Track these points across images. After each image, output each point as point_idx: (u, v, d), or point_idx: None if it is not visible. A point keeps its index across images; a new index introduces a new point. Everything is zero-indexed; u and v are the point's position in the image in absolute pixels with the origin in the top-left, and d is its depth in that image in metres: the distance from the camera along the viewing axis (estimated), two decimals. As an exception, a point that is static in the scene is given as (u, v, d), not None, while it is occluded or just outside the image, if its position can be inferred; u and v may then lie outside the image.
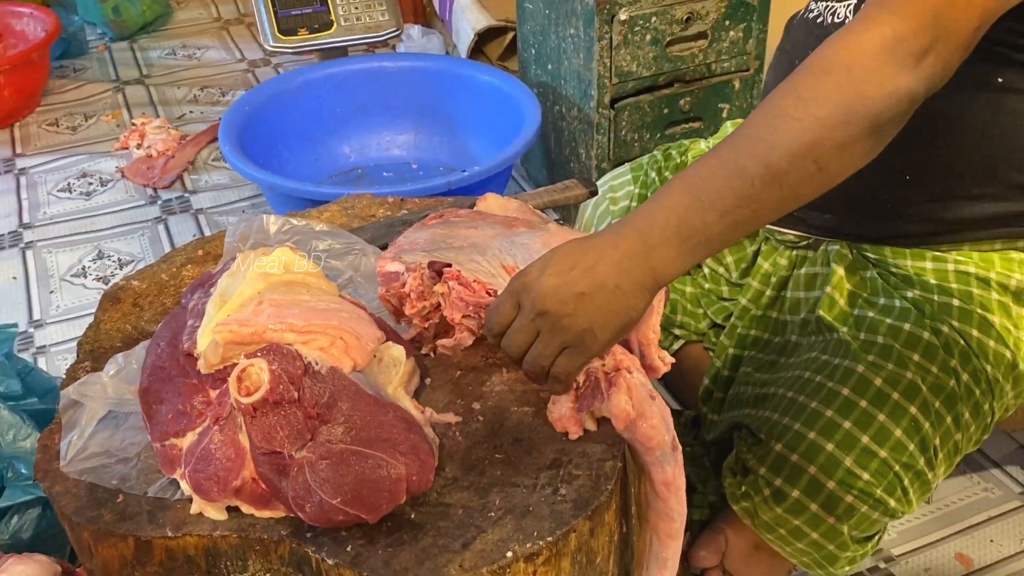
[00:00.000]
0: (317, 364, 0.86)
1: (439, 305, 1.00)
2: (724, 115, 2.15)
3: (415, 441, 0.86)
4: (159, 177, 2.51)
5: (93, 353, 1.08)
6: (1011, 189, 1.09)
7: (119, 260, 2.24)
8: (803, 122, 0.80)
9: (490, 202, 1.16)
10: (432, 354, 1.03)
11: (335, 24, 2.20)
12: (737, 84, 2.12)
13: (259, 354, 0.85)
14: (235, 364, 0.87)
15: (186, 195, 2.48)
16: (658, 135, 2.08)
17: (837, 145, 0.81)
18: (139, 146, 2.64)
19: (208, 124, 2.78)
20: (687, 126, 2.12)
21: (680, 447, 0.86)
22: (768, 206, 0.82)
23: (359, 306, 0.99)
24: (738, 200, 0.81)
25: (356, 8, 2.21)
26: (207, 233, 2.30)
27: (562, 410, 0.89)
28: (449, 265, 0.98)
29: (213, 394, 0.88)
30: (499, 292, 0.90)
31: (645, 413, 0.84)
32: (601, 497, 0.84)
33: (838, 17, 1.11)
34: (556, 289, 0.82)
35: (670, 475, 0.88)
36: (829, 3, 1.13)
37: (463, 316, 0.96)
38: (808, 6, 1.19)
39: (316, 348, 0.87)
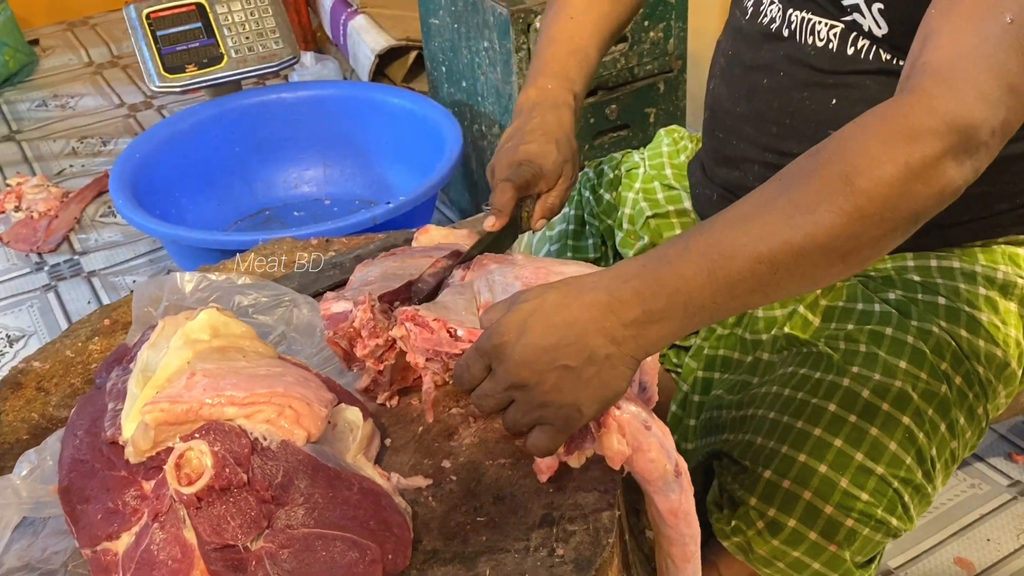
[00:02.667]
0: (266, 439, 0.80)
1: (394, 342, 0.94)
2: (651, 119, 2.14)
3: (386, 515, 0.80)
4: (43, 240, 2.39)
5: (-4, 451, 0.99)
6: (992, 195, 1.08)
7: (7, 336, 2.11)
8: (846, 214, 0.74)
9: (432, 235, 1.11)
10: (389, 404, 0.97)
11: (225, 57, 2.12)
12: (662, 87, 2.11)
13: (197, 435, 0.79)
14: (170, 449, 0.79)
15: (75, 257, 2.36)
16: (586, 146, 2.06)
17: (872, 240, 0.76)
18: (17, 208, 2.51)
19: (91, 177, 2.67)
20: (615, 134, 2.10)
21: (685, 469, 0.82)
22: (781, 294, 0.78)
23: (301, 366, 0.92)
24: (756, 286, 0.76)
25: (247, 38, 2.14)
26: (103, 298, 2.20)
27: (547, 459, 0.84)
28: (404, 295, 0.93)
29: (147, 486, 0.80)
30: (462, 332, 0.85)
31: (642, 447, 0.80)
32: (603, 553, 0.79)
33: (820, 38, 1.05)
34: (535, 360, 0.75)
35: (675, 502, 0.84)
36: (798, 12, 1.07)
37: (427, 360, 0.90)
38: (749, 6, 1.14)
39: (262, 421, 0.81)
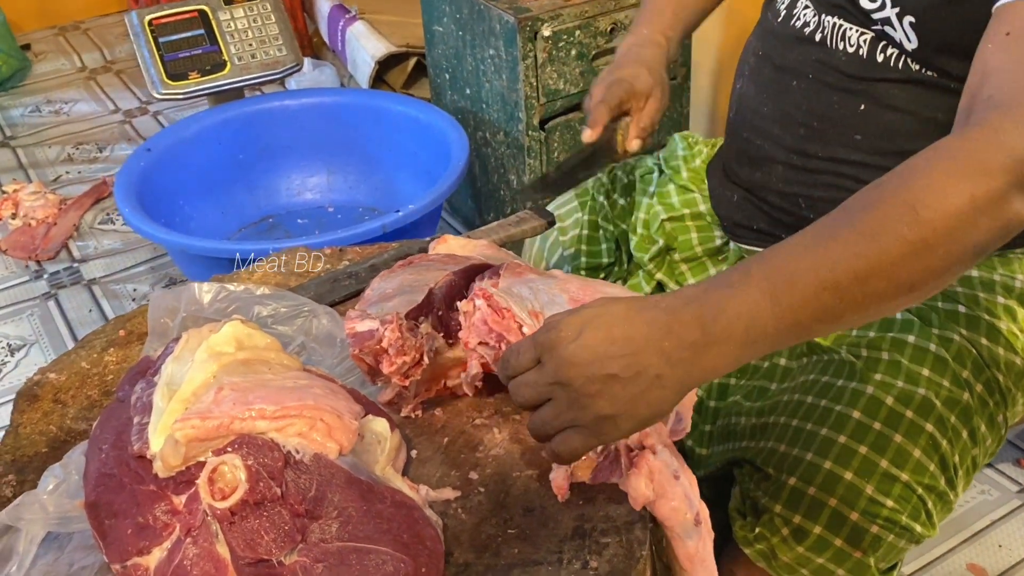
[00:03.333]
0: (298, 453, 0.80)
1: (420, 359, 0.94)
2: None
3: (419, 528, 0.80)
4: (41, 248, 2.38)
5: (16, 464, 0.98)
6: None
7: (8, 346, 2.10)
8: (910, 244, 0.74)
9: (451, 244, 1.11)
10: (414, 415, 0.97)
11: (228, 64, 2.12)
12: (666, 93, 2.12)
13: (230, 449, 0.79)
14: (200, 464, 0.79)
15: (75, 265, 2.35)
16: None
17: (937, 271, 0.76)
18: (14, 216, 2.50)
19: (88, 184, 2.66)
20: (619, 141, 2.10)
21: (707, 518, 0.82)
22: (845, 323, 0.77)
23: (327, 378, 0.92)
24: (821, 314, 0.75)
25: (250, 45, 2.14)
26: (105, 306, 2.19)
27: (561, 477, 0.85)
28: (428, 309, 0.93)
29: (178, 500, 0.80)
30: (527, 328, 0.85)
31: (667, 494, 0.80)
32: (638, 566, 0.79)
33: (850, 44, 1.07)
34: (587, 363, 0.74)
35: (693, 548, 0.84)
36: (831, 18, 1.09)
37: (480, 343, 0.89)
38: (783, 9, 1.16)
39: (294, 434, 0.80)
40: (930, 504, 1.03)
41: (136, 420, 0.86)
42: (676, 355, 0.74)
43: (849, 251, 0.75)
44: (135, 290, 2.25)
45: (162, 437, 0.82)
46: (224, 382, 0.84)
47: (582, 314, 0.77)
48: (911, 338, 1.07)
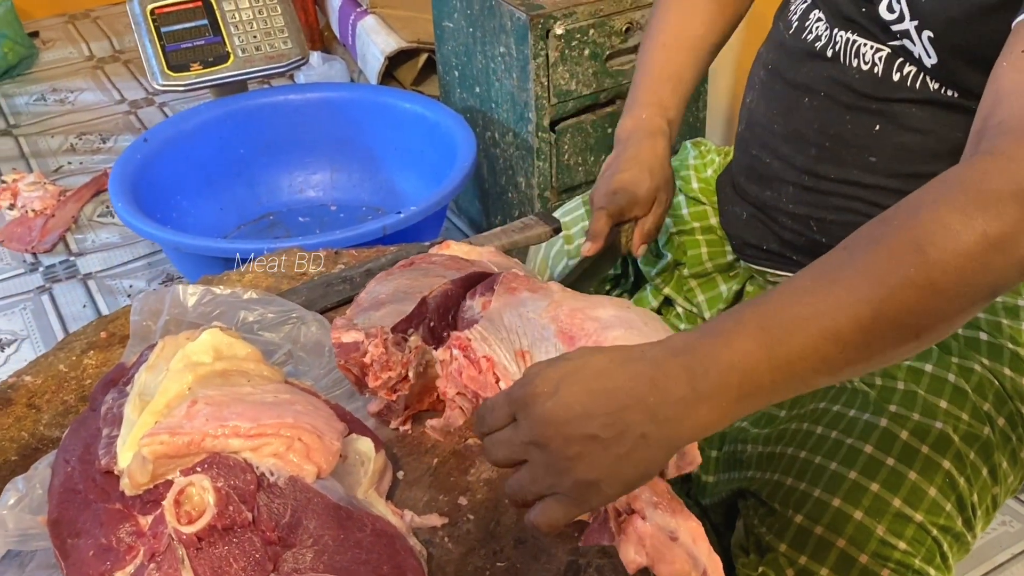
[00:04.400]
0: (272, 475, 0.75)
1: (406, 375, 0.89)
2: (670, 130, 2.10)
3: (400, 559, 0.75)
4: (38, 240, 2.34)
5: (-18, 472, 0.94)
6: None
7: (-1, 340, 2.07)
8: (918, 288, 0.68)
9: (454, 250, 1.06)
10: (402, 429, 0.92)
11: (232, 56, 2.07)
12: (682, 96, 2.07)
13: (199, 469, 0.74)
14: (169, 482, 0.74)
15: (71, 258, 2.32)
16: (603, 157, 2.01)
17: (947, 315, 0.70)
18: (12, 206, 2.46)
19: (90, 175, 2.62)
20: (632, 145, 2.05)
21: (718, 568, 0.75)
22: (848, 373, 0.71)
23: (310, 392, 0.87)
24: (820, 365, 0.68)
25: (255, 37, 2.09)
26: (99, 301, 2.15)
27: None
28: (418, 320, 0.88)
29: (144, 521, 0.75)
30: (503, 383, 0.80)
31: (665, 558, 0.73)
32: (635, 607, 0.74)
33: (865, 62, 1.00)
34: (565, 422, 0.67)
35: None
36: (844, 33, 1.03)
37: (457, 393, 0.85)
38: (795, 20, 1.10)
39: (270, 454, 0.76)
40: (945, 546, 0.98)
41: (105, 432, 0.82)
42: (663, 412, 0.67)
43: (852, 296, 0.68)
44: (131, 286, 2.21)
45: (131, 452, 0.77)
46: (199, 395, 0.80)
47: (560, 366, 0.70)
48: (928, 367, 1.01)
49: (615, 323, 0.81)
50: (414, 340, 0.89)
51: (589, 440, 0.67)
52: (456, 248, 1.05)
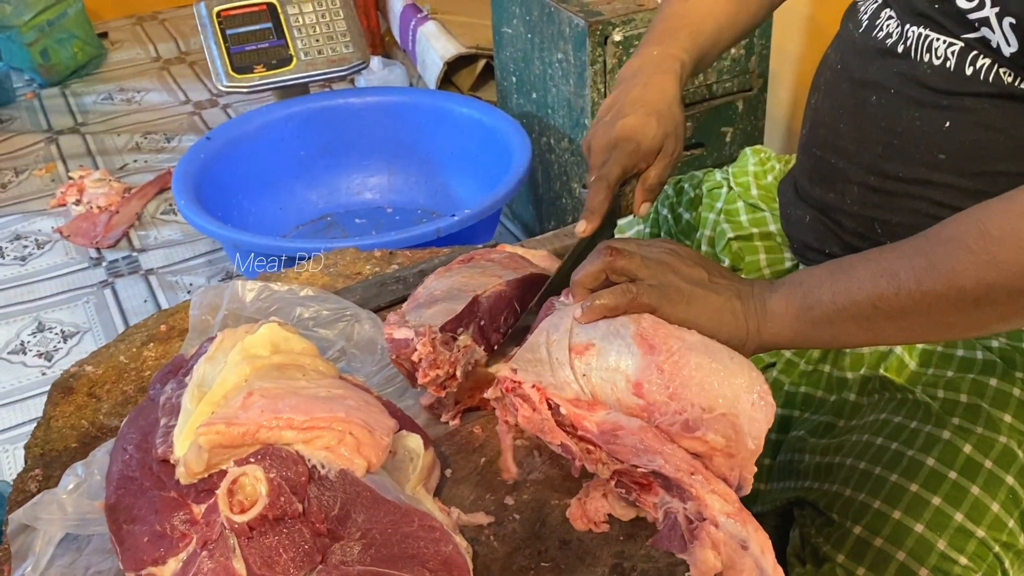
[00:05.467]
0: (323, 467, 0.76)
1: (454, 374, 0.90)
2: (727, 139, 2.08)
3: (447, 554, 0.75)
4: (103, 236, 2.39)
5: (44, 457, 0.97)
6: None
7: (62, 332, 2.11)
8: (978, 256, 0.74)
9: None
10: (452, 424, 0.93)
11: (295, 59, 2.10)
12: (741, 105, 2.05)
13: (252, 459, 0.75)
14: (223, 472, 0.76)
15: (134, 254, 2.36)
16: (658, 165, 2.01)
17: (1008, 293, 0.74)
18: (78, 202, 2.52)
19: (154, 173, 2.68)
20: (689, 153, 2.04)
21: None
22: (905, 323, 0.77)
23: (363, 388, 0.89)
24: (877, 300, 0.77)
25: (317, 41, 2.12)
26: (160, 297, 2.19)
27: (594, 508, 0.79)
28: (468, 319, 0.88)
29: (198, 510, 0.77)
30: (564, 409, 0.78)
31: (735, 565, 0.73)
32: (678, 612, 0.73)
33: (937, 56, 0.98)
34: (690, 252, 0.86)
35: None
36: (916, 28, 1.01)
37: (514, 424, 0.83)
38: (864, 19, 1.08)
39: (321, 447, 0.77)
40: (1007, 563, 0.96)
41: (163, 422, 0.84)
42: (746, 297, 0.83)
43: (911, 250, 0.77)
44: (191, 283, 2.25)
45: (187, 442, 0.79)
46: (255, 387, 0.81)
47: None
48: (993, 381, 1.00)
49: (699, 347, 0.80)
50: (464, 339, 0.90)
51: (702, 267, 0.84)
52: (509, 251, 1.06)
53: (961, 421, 0.98)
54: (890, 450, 0.99)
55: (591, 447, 0.77)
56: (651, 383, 0.77)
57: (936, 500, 0.95)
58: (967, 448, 0.96)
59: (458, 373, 0.90)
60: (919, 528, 0.94)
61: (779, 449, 1.17)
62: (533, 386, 0.79)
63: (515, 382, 0.80)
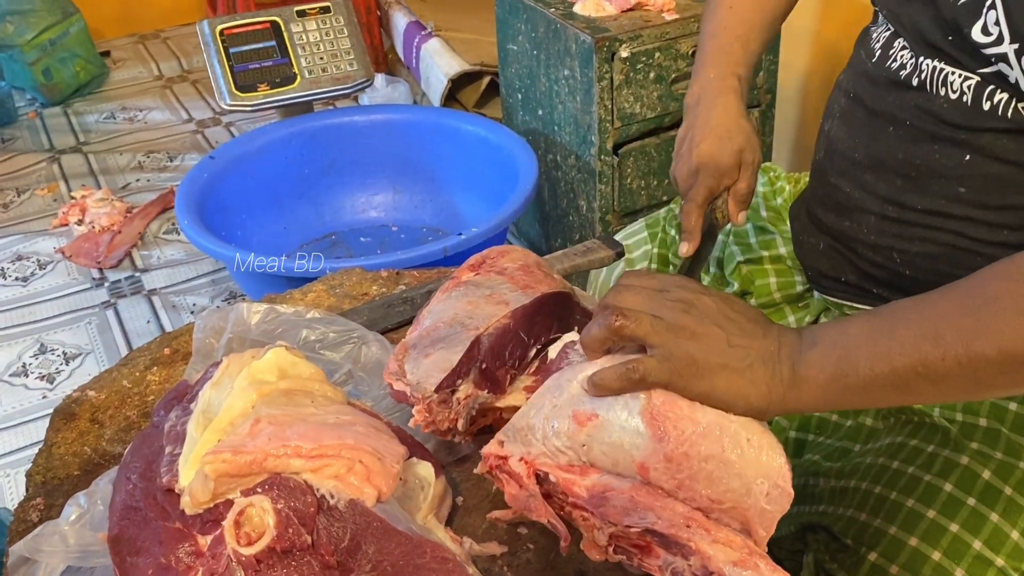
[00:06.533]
0: (333, 497, 0.74)
1: (455, 425, 0.87)
2: (735, 155, 2.07)
3: (460, 586, 0.73)
4: (105, 256, 2.38)
5: (46, 486, 0.95)
6: None
7: (64, 354, 2.09)
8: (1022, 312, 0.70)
9: (514, 256, 1.04)
10: (464, 443, 0.90)
11: (298, 77, 2.10)
12: (748, 121, 2.04)
13: (260, 489, 0.74)
14: (229, 502, 0.74)
15: (136, 274, 2.35)
16: (666, 182, 1.99)
17: None
18: (80, 222, 2.51)
19: (157, 193, 2.67)
20: (696, 170, 2.03)
21: None
22: (947, 387, 0.72)
23: (372, 415, 0.87)
24: (919, 367, 0.71)
25: (321, 59, 2.11)
26: (163, 317, 2.18)
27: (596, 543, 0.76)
28: (466, 369, 0.85)
29: (203, 541, 0.75)
30: (553, 476, 0.75)
31: None
32: (699, 647, 0.71)
33: (953, 90, 0.96)
34: (713, 302, 0.76)
35: None
36: (930, 61, 0.98)
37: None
38: (877, 48, 1.06)
39: (330, 476, 0.75)
40: None
41: (168, 450, 0.82)
42: (774, 362, 0.75)
43: (958, 309, 0.71)
44: (195, 304, 2.24)
45: (193, 470, 0.77)
46: (262, 414, 0.79)
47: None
48: (1013, 405, 0.98)
49: (713, 433, 0.73)
50: (464, 389, 0.86)
51: (720, 327, 0.74)
52: (521, 260, 1.03)
53: (980, 446, 0.96)
54: (906, 474, 0.97)
55: (584, 513, 0.74)
56: (658, 470, 0.73)
57: (954, 527, 0.93)
58: (986, 474, 0.94)
59: (460, 424, 0.86)
60: (936, 556, 0.92)
61: (793, 473, 1.15)
62: (520, 459, 0.76)
63: (500, 457, 0.77)
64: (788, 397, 0.74)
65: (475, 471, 0.79)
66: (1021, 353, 0.69)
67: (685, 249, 1.09)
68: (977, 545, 0.92)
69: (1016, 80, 0.90)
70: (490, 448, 0.77)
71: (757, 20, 1.18)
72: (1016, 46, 0.88)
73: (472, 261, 1.02)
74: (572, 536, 0.82)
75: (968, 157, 0.97)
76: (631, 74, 1.85)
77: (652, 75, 1.87)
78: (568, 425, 0.75)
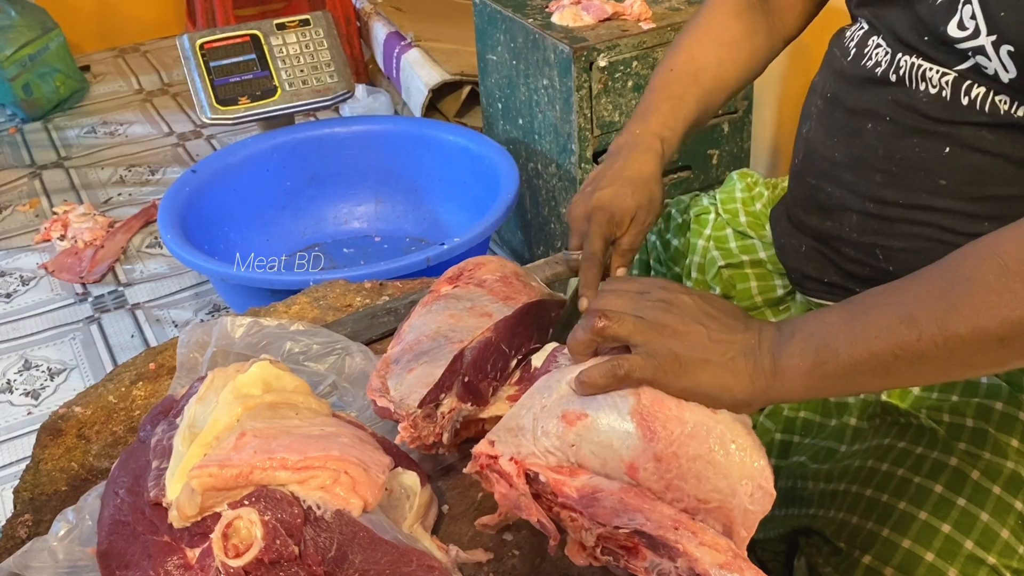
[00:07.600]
0: (319, 508, 0.75)
1: (440, 439, 0.87)
2: (713, 161, 2.09)
3: (446, 594, 0.74)
4: (88, 271, 2.38)
5: (34, 502, 0.95)
6: None
7: (49, 369, 2.09)
8: (1001, 295, 0.70)
9: (491, 267, 1.06)
10: (448, 453, 0.91)
11: (279, 90, 2.10)
12: (726, 127, 2.06)
13: (246, 502, 0.74)
14: (217, 515, 0.75)
15: (120, 288, 2.35)
16: (646, 188, 2.01)
17: None
18: (63, 237, 2.50)
19: (139, 207, 2.66)
20: (676, 176, 2.05)
21: None
22: (924, 368, 0.73)
23: (356, 425, 0.88)
24: (897, 349, 0.72)
25: (302, 71, 2.12)
26: (147, 331, 2.18)
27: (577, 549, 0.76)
28: (449, 383, 0.86)
29: (192, 554, 0.76)
30: (543, 476, 0.75)
31: None
32: (683, 649, 0.72)
33: (932, 85, 0.98)
34: (695, 300, 0.79)
35: None
36: (908, 58, 1.00)
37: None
38: (852, 47, 1.07)
39: (316, 488, 0.76)
40: None
41: (155, 465, 0.83)
42: (756, 355, 0.77)
43: (930, 291, 0.73)
44: (178, 318, 2.24)
45: (180, 484, 0.78)
46: (247, 427, 0.80)
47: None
48: (999, 405, 0.99)
49: (701, 433, 0.74)
50: (448, 403, 0.87)
51: (701, 324, 0.77)
52: (499, 271, 1.04)
53: (968, 446, 0.97)
54: (896, 476, 0.98)
55: (573, 514, 0.74)
56: (647, 470, 0.74)
57: (946, 527, 0.94)
58: (975, 474, 0.95)
59: (444, 439, 0.87)
60: (929, 557, 0.93)
61: (779, 475, 1.16)
62: (511, 459, 0.76)
63: (491, 457, 0.77)
64: (771, 387, 0.76)
65: (465, 470, 0.80)
66: (995, 330, 0.70)
67: (584, 305, 1.03)
68: (969, 545, 0.93)
69: (995, 71, 0.91)
70: (481, 447, 0.78)
71: (692, 87, 1.19)
72: (994, 37, 0.89)
73: (450, 273, 1.03)
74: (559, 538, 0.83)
75: (948, 149, 0.98)
76: (609, 83, 1.87)
77: (630, 84, 1.89)
78: (557, 425, 0.76)
